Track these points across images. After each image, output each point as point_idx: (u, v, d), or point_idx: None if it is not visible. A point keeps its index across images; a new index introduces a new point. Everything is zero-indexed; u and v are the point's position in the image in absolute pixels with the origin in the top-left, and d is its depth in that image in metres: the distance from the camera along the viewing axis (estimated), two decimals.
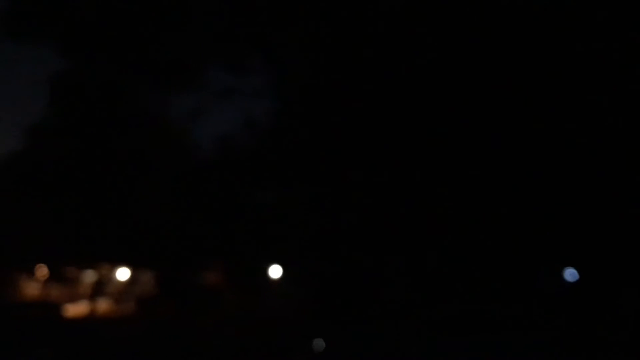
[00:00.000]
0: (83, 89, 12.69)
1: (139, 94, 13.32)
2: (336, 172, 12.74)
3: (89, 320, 18.25)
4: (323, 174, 13.15)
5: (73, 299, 21.55)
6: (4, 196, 15.75)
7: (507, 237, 12.72)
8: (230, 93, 13.83)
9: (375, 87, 12.52)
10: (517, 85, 12.40)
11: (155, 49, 12.81)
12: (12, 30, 12.73)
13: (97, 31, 12.25)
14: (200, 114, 13.74)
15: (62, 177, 13.31)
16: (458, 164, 12.74)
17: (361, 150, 12.66)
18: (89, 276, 22.94)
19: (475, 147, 12.65)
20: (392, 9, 12.40)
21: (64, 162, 13.13)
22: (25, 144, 14.38)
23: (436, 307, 12.71)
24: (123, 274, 23.91)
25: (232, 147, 14.01)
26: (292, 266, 14.94)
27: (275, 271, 16.36)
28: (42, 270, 21.97)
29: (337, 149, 12.72)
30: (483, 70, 12.45)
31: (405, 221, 12.81)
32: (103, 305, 22.89)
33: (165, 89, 13.26)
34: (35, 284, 21.91)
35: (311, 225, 13.41)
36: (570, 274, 13.19)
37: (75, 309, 20.08)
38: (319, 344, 10.24)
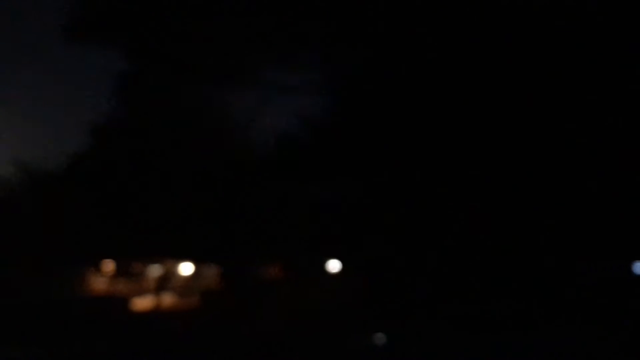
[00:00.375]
0: (146, 89, 13.06)
1: (199, 94, 13.62)
2: (393, 167, 12.72)
3: (155, 314, 18.78)
4: (380, 169, 13.14)
5: (139, 293, 22.22)
6: (73, 194, 16.35)
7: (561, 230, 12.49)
8: (286, 90, 13.98)
9: (431, 82, 12.42)
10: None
11: (213, 49, 13.05)
12: (77, 34, 13.22)
13: (158, 33, 12.58)
14: (258, 112, 13.94)
15: (128, 176, 13.74)
16: (506, 161, 12.58)
17: (418, 145, 12.60)
18: (154, 271, 23.61)
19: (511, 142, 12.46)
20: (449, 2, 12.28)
21: (129, 161, 13.56)
22: (91, 144, 14.90)
23: (498, 302, 12.56)
24: (186, 268, 24.52)
25: (288, 143, 14.15)
26: (350, 260, 15.00)
27: (333, 265, 16.46)
28: (109, 266, 22.74)
29: (393, 143, 12.69)
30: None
31: (464, 216, 12.69)
32: (167, 299, 23.52)
33: (223, 88, 13.51)
34: (102, 279, 22.71)
35: (368, 220, 13.42)
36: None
37: (141, 303, 20.69)
38: (379, 338, 10.24)
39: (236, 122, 14.24)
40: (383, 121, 12.50)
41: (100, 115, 14.10)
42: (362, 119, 13.03)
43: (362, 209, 13.13)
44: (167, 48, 12.64)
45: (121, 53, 13.16)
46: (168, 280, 23.35)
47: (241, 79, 13.46)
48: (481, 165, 12.70)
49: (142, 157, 13.17)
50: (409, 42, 12.39)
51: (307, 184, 13.87)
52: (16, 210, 17.00)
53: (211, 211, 14.07)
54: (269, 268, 16.38)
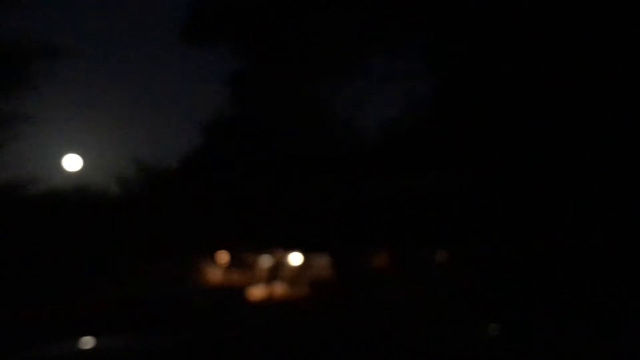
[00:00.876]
0: (255, 85, 13.45)
1: (306, 86, 13.84)
2: (503, 155, 12.38)
3: (267, 303, 19.37)
4: (489, 156, 12.84)
5: (251, 283, 23.00)
6: (187, 189, 17.16)
7: None
8: (390, 77, 13.93)
9: (540, 65, 11.97)
10: None
11: (317, 40, 13.20)
12: (188, 34, 13.83)
13: (265, 30, 12.91)
14: (363, 101, 13.99)
15: (239, 169, 14.23)
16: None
17: (529, 132, 12.18)
18: (265, 261, 24.34)
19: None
20: None
21: (240, 155, 14.03)
22: (204, 140, 15.55)
23: (611, 292, 11.99)
24: (296, 258, 25.10)
25: (395, 131, 14.10)
26: (460, 251, 14.79)
27: (441, 255, 16.29)
28: (223, 257, 23.68)
29: (502, 130, 12.34)
30: None
31: (578, 204, 12.18)
32: (279, 288, 24.20)
33: (329, 78, 13.64)
34: (217, 270, 23.69)
35: (477, 208, 13.16)
36: None
37: (254, 293, 21.40)
38: (492, 328, 10.06)
39: (343, 113, 14.38)
40: (492, 108, 12.19)
41: (213, 113, 14.66)
42: (469, 106, 12.77)
43: (471, 198, 12.89)
44: (274, 44, 12.93)
45: (232, 52, 13.61)
46: (279, 271, 24.02)
47: (346, 70, 13.54)
48: (597, 151, 12.14)
49: (254, 152, 13.58)
50: (516, 26, 12.01)
51: (415, 174, 13.79)
52: (138, 207, 18.03)
53: (318, 201, 14.31)
54: (380, 258, 16.45)
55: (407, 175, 13.67)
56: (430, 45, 13.85)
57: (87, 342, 3.14)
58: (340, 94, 14.20)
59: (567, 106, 12.09)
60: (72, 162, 13.01)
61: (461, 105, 13.08)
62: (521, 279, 12.93)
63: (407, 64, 14.02)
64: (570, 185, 12.50)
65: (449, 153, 12.94)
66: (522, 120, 12.15)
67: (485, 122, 12.24)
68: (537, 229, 12.92)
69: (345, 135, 14.25)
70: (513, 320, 11.12)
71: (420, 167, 13.75)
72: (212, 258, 22.77)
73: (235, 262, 22.78)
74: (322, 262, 22.01)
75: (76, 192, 16.15)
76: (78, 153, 15.57)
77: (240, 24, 12.99)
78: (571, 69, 11.99)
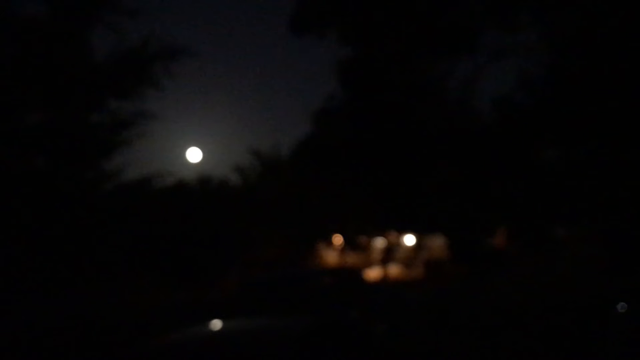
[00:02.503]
0: (367, 70, 13.54)
1: (420, 67, 13.73)
2: (622, 128, 11.74)
3: (384, 283, 19.61)
4: (608, 129, 12.24)
5: (367, 264, 23.38)
6: (303, 174, 17.64)
7: None
8: (504, 53, 13.57)
9: None
10: None
11: (431, 19, 13.05)
12: (297, 25, 14.12)
13: (373, 15, 12.94)
14: (478, 77, 13.71)
15: (351, 154, 14.44)
16: None
17: None
18: (379, 243, 24.64)
19: None
20: None
21: (352, 141, 14.23)
22: (316, 127, 15.87)
23: None
24: (409, 240, 25.22)
25: (510, 107, 13.75)
26: (581, 225, 14.28)
27: (562, 231, 15.80)
28: (338, 240, 24.20)
29: (618, 104, 11.70)
30: None
31: None
32: (393, 269, 24.42)
33: (444, 56, 13.44)
34: (333, 252, 24.26)
35: (599, 184, 12.62)
36: None
37: (370, 273, 21.75)
38: (621, 306, 9.74)
39: (457, 91, 14.17)
40: (611, 81, 11.56)
41: (326, 101, 14.89)
42: (583, 78, 12.21)
43: (592, 174, 12.36)
44: (385, 25, 12.88)
45: (342, 38, 13.71)
46: (393, 252, 24.25)
47: (460, 47, 13.30)
48: None
49: (366, 136, 13.70)
50: None
51: (531, 149, 13.40)
52: (257, 195, 18.71)
53: (433, 183, 14.27)
54: (496, 236, 16.23)
55: (522, 153, 13.31)
56: (545, 16, 13.35)
57: (216, 324, 3.42)
58: (454, 73, 13.96)
59: None
60: (194, 155, 13.78)
61: (575, 78, 12.53)
62: None
63: (522, 37, 13.62)
64: None
65: (565, 128, 12.45)
66: (635, 90, 11.45)
67: (599, 95, 11.64)
68: None
69: (460, 113, 14.00)
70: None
71: (535, 144, 13.35)
72: (328, 241, 23.37)
73: (350, 245, 23.24)
74: (438, 243, 21.97)
75: (199, 183, 17.05)
76: (199, 146, 16.40)
77: (348, 8, 13.07)
78: None
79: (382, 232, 22.18)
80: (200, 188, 16.54)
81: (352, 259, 23.52)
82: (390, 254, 23.60)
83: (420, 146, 13.19)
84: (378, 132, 13.27)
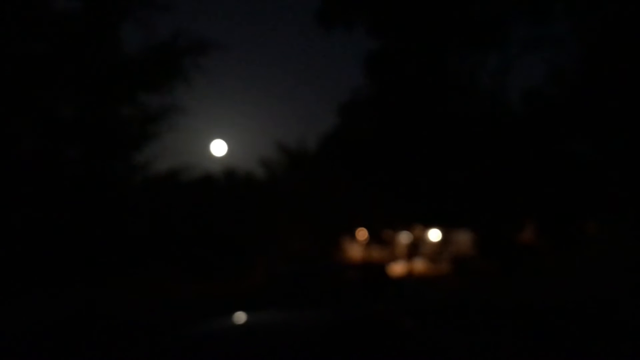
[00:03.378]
0: (395, 62, 13.49)
1: (450, 59, 13.64)
2: None
3: (407, 279, 19.54)
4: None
5: (391, 259, 23.32)
6: (329, 168, 17.64)
7: None
8: (534, 44, 13.42)
9: None
10: None
11: (461, 10, 12.95)
12: (325, 19, 14.13)
13: (401, 6, 12.88)
14: (508, 69, 13.58)
15: (377, 147, 14.40)
16: None
17: None
18: (404, 238, 24.55)
19: None
20: None
21: (379, 133, 14.18)
22: (342, 120, 15.88)
23: None
24: (435, 235, 25.08)
25: (540, 99, 13.61)
26: (613, 219, 14.07)
27: (590, 225, 15.57)
28: (363, 234, 24.18)
29: None
30: None
31: None
32: (419, 264, 24.31)
33: (475, 48, 13.33)
34: (358, 246, 24.25)
35: (631, 176, 12.44)
36: None
37: (395, 268, 21.68)
38: None
39: (487, 83, 14.05)
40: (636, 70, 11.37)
41: (354, 94, 14.87)
42: (618, 71, 12.02)
43: (624, 166, 12.18)
44: (414, 17, 12.82)
45: (367, 32, 13.69)
46: (418, 247, 24.15)
47: (491, 38, 13.19)
48: None
49: (393, 128, 13.66)
50: None
51: (562, 142, 13.24)
52: (281, 188, 18.75)
53: (457, 177, 14.16)
54: (523, 230, 16.06)
55: (553, 145, 13.15)
56: (576, 7, 13.17)
57: (240, 317, 3.47)
58: (485, 65, 13.82)
59: None
60: (219, 148, 13.83)
61: (606, 70, 12.34)
62: None
63: (553, 29, 13.47)
64: None
65: (597, 120, 12.27)
66: None
67: (633, 86, 11.45)
68: None
69: (490, 104, 13.85)
70: None
71: (566, 136, 13.19)
72: (352, 235, 23.37)
73: (375, 239, 23.21)
74: (463, 237, 21.83)
75: (225, 176, 17.16)
76: (224, 139, 16.49)
77: (373, 5, 13.03)
78: None
79: (407, 227, 22.09)
80: (226, 181, 16.66)
81: (377, 253, 23.50)
82: (415, 248, 23.51)
83: (448, 139, 13.09)
84: (405, 125, 13.21)
